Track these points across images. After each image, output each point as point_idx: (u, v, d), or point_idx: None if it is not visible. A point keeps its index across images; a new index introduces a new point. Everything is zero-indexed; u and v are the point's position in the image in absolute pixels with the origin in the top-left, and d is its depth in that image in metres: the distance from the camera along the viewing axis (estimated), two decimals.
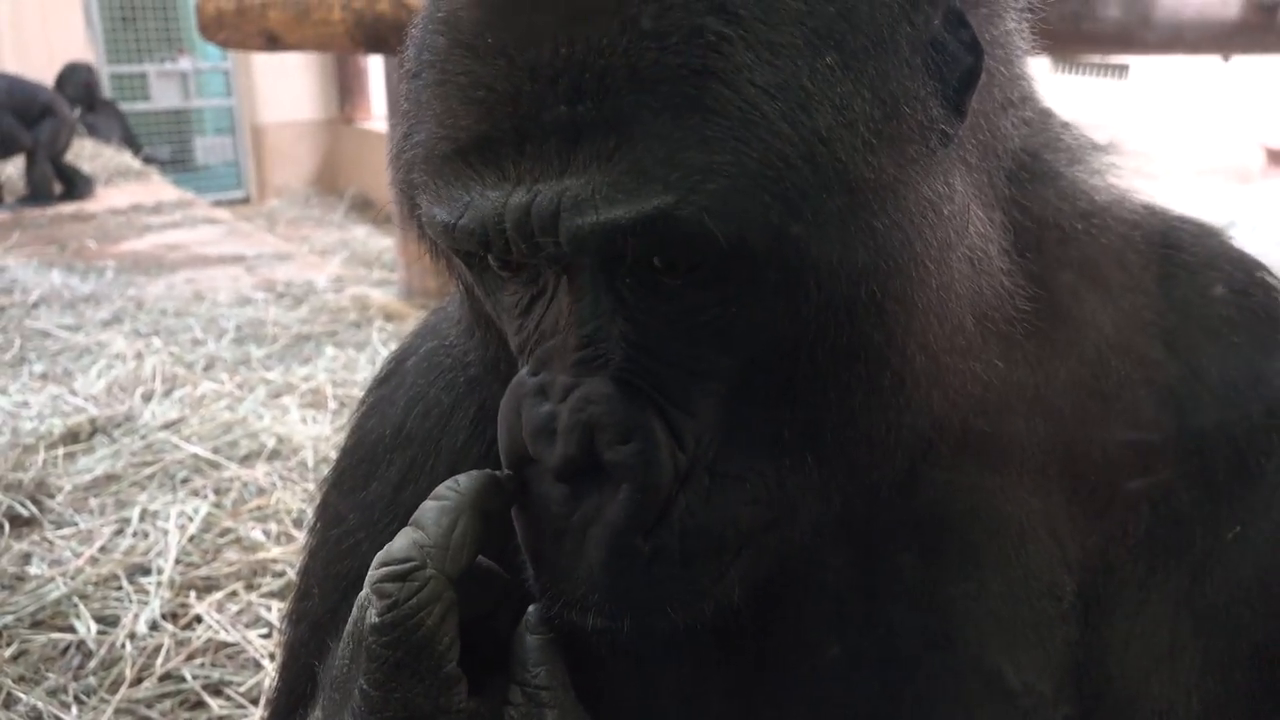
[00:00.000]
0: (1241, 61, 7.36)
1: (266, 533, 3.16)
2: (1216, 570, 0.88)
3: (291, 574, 2.96)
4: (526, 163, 0.71)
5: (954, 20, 0.76)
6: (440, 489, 0.80)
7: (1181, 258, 0.94)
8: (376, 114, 11.13)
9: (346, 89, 11.50)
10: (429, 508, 0.78)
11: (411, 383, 1.03)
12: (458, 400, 0.98)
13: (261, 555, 3.04)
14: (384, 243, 8.53)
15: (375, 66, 10.38)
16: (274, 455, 3.62)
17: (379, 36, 5.04)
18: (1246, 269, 0.96)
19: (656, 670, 0.91)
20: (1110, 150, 0.99)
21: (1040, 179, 0.91)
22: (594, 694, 0.83)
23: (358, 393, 4.32)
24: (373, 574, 0.77)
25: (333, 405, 4.09)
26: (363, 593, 0.77)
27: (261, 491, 3.39)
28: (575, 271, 0.75)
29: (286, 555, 3.04)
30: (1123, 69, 13.08)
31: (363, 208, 11.08)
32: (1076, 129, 0.98)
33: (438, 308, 1.11)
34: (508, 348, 0.85)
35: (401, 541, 0.77)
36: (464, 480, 0.79)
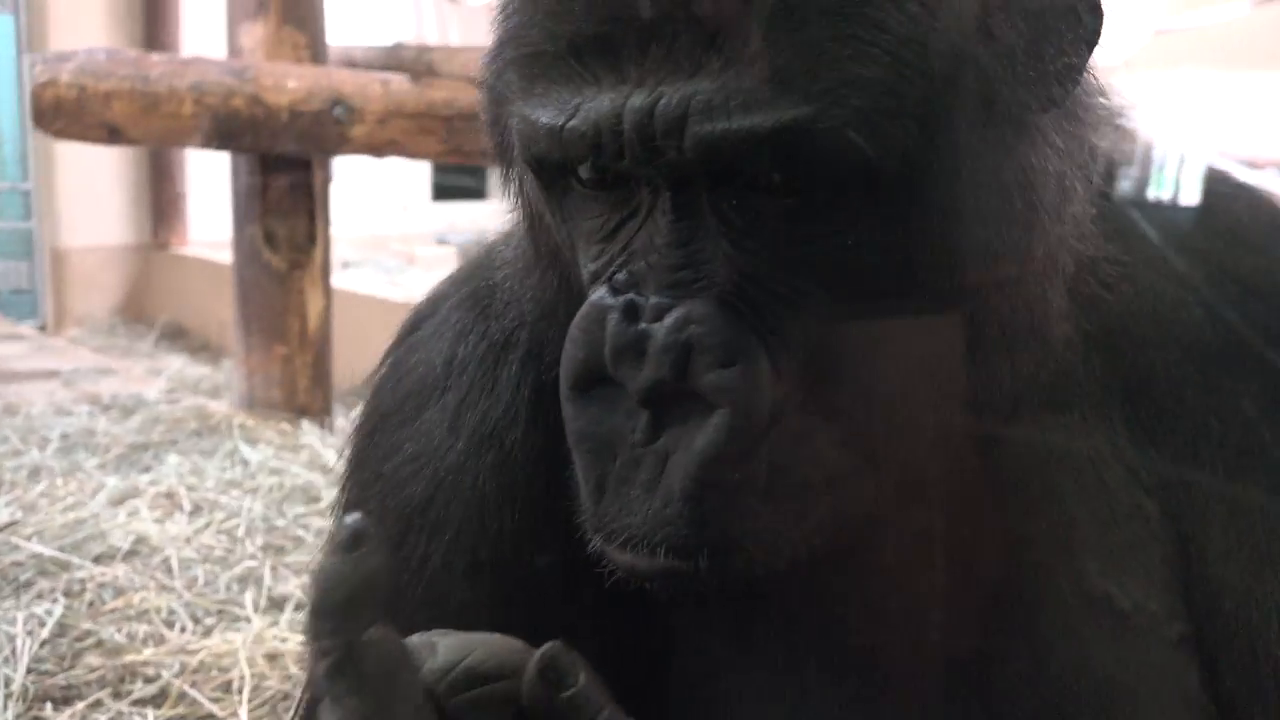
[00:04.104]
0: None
1: (131, 635, 2.79)
2: None
3: (168, 677, 2.61)
4: (651, 63, 0.67)
5: None
6: None
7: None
8: (194, 239, 10.66)
9: (161, 212, 10.96)
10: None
11: (457, 319, 0.96)
12: (513, 333, 0.91)
13: (129, 658, 2.68)
14: (201, 370, 8.01)
15: (196, 188, 10.05)
16: (131, 555, 3.24)
17: (232, 133, 4.86)
18: (1253, 192, 1.00)
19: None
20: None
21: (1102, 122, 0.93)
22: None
23: (214, 495, 3.98)
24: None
25: (188, 507, 3.73)
26: None
27: (121, 592, 3.01)
28: (681, 187, 0.70)
29: (159, 657, 2.69)
30: None
31: (175, 336, 10.47)
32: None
33: (474, 256, 1.03)
34: (570, 290, 0.80)
35: None
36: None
